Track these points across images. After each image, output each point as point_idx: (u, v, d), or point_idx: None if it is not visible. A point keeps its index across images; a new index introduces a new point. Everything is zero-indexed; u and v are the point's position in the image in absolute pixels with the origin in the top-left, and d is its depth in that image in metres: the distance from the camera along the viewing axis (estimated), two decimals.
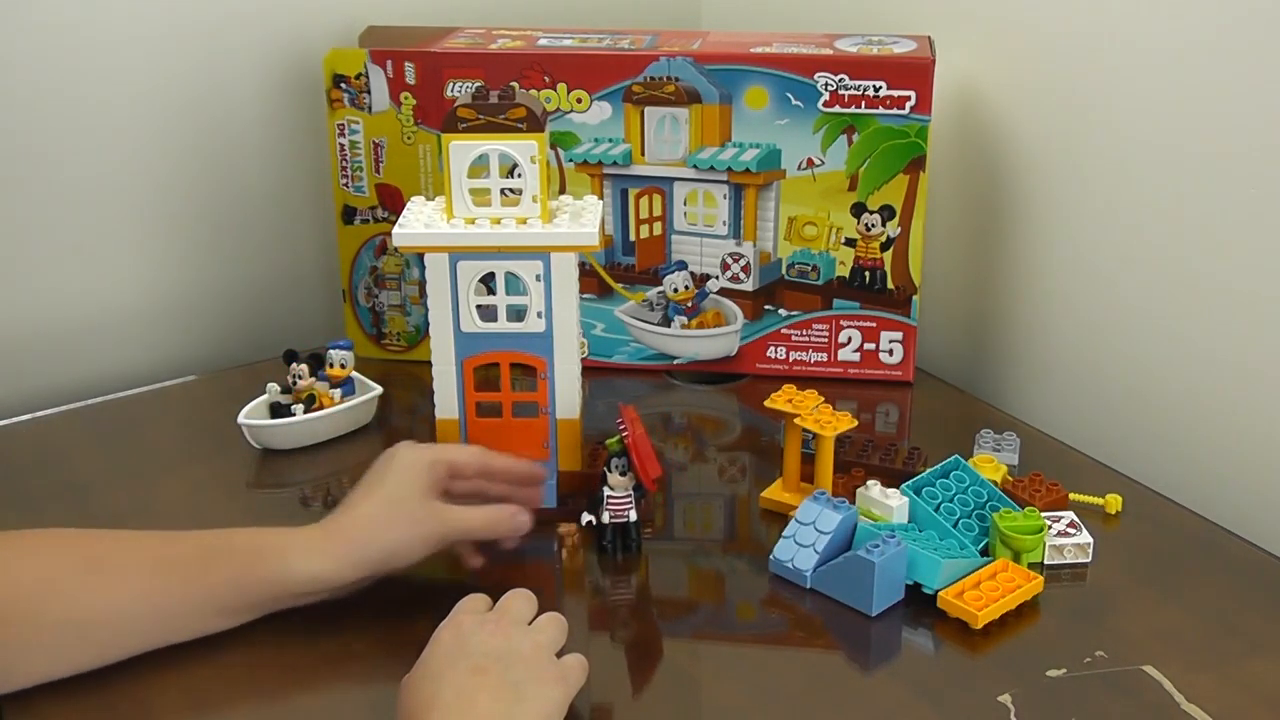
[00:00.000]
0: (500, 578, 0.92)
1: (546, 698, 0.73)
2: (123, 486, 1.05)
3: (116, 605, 0.81)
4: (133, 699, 0.81)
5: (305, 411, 1.10)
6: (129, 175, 1.24)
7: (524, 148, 0.94)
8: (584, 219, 0.97)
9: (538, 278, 0.96)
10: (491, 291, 0.97)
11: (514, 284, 0.97)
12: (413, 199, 1.01)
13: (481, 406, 1.00)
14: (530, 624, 0.78)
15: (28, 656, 0.79)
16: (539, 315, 0.97)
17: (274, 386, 1.11)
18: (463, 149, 0.94)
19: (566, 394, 1.00)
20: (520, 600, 0.80)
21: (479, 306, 0.97)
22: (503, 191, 0.96)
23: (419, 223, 0.96)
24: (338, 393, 1.12)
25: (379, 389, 1.14)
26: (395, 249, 1.00)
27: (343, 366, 1.12)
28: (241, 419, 1.09)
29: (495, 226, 0.95)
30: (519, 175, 0.95)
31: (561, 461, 1.01)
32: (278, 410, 1.11)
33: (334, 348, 1.12)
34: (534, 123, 0.94)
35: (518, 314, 0.97)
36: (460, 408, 1.00)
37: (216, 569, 0.82)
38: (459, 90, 1.17)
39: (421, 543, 0.86)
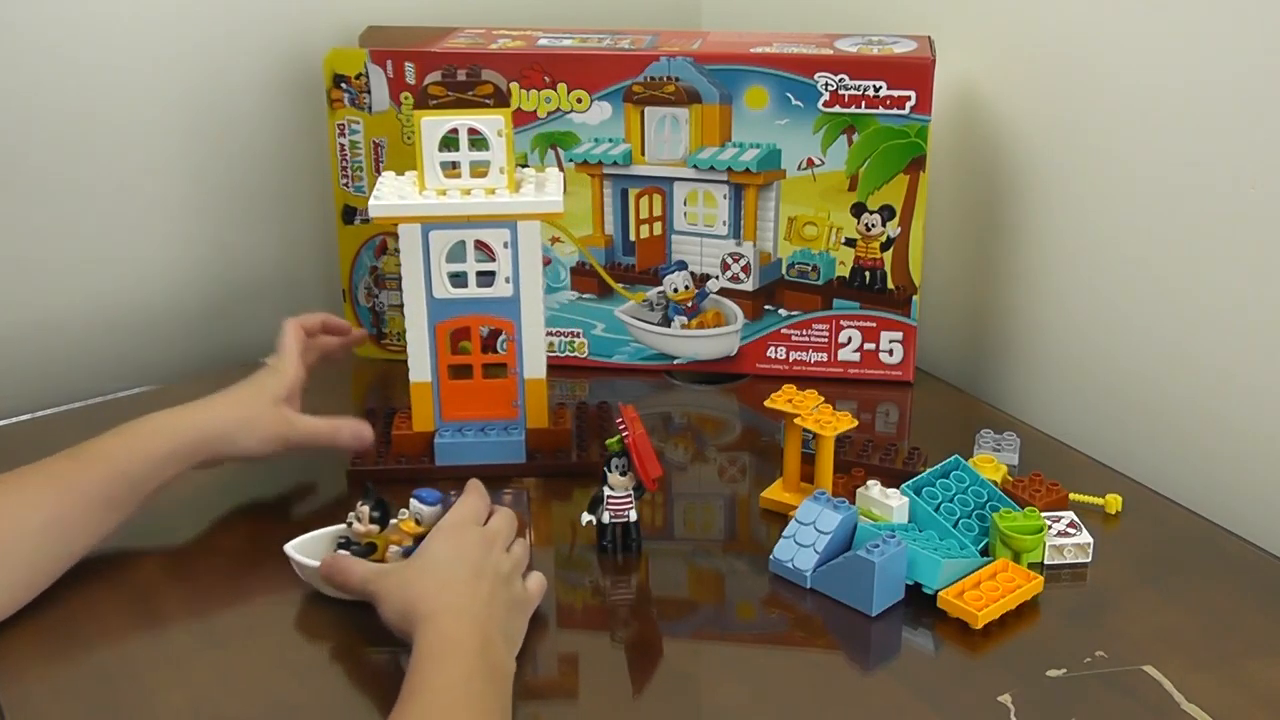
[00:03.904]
0: None
1: (520, 622, 0.84)
2: None
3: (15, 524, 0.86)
4: (133, 699, 0.81)
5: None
6: (128, 175, 1.24)
7: (491, 122, 0.99)
8: (548, 188, 1.03)
9: (505, 245, 1.01)
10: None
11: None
12: (384, 173, 1.06)
13: (454, 369, 1.05)
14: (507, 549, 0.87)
15: None
16: (506, 280, 1.02)
17: (355, 518, 0.89)
18: (433, 124, 1.00)
19: (534, 355, 1.04)
20: (506, 524, 0.88)
21: (450, 274, 1.01)
22: (471, 164, 1.00)
23: (393, 194, 1.01)
24: (399, 551, 0.88)
25: None
26: (371, 219, 1.03)
27: (418, 522, 0.88)
28: (289, 548, 0.89)
29: (465, 197, 1.00)
30: (487, 149, 1.00)
31: (530, 419, 1.06)
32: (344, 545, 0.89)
33: (419, 498, 0.88)
34: (500, 98, 0.99)
35: (487, 280, 1.02)
36: (433, 370, 1.04)
37: (93, 469, 0.91)
38: None
39: (268, 440, 0.97)
